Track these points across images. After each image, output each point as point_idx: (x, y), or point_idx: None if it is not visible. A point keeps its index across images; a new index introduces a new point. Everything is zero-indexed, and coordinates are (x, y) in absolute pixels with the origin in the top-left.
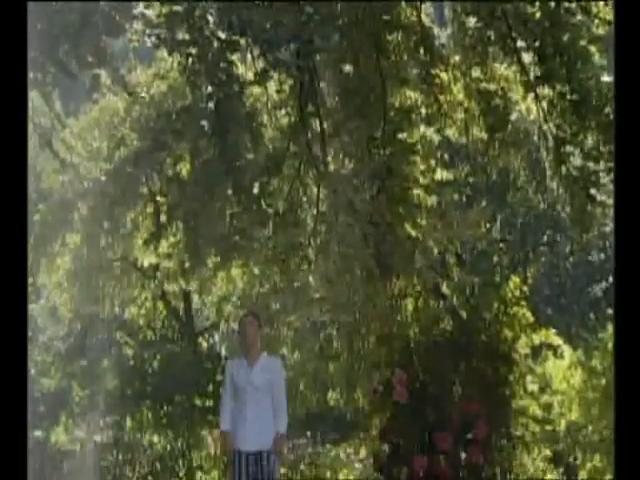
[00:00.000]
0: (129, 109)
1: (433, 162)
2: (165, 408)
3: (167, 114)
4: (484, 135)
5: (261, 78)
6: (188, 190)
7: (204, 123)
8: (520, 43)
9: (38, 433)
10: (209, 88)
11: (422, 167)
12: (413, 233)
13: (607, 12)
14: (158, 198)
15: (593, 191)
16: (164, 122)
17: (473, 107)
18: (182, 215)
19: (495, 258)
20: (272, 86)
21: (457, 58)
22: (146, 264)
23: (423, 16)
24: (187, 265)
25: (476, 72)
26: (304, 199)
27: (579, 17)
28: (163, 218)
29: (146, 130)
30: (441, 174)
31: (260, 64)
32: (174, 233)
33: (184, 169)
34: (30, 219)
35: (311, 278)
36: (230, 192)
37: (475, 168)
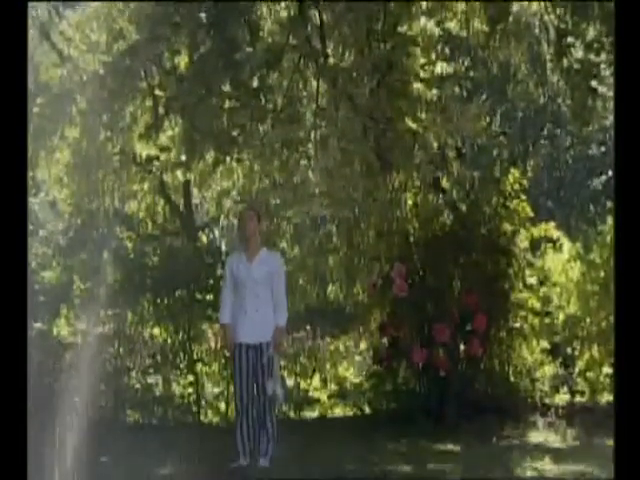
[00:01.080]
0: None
1: (433, 55)
2: (166, 301)
3: (165, 6)
4: (485, 27)
5: None
6: (186, 84)
7: (202, 15)
8: None
9: (39, 325)
10: None
11: (422, 60)
12: (413, 127)
13: None
14: (157, 92)
15: (594, 83)
16: (162, 14)
17: None
18: (180, 109)
19: (495, 152)
20: None
21: None
22: (145, 156)
23: None
24: (185, 158)
25: None
26: (303, 93)
27: None
28: (162, 112)
29: (144, 22)
30: (441, 67)
31: None
32: (172, 127)
33: (182, 62)
34: (29, 112)
35: (310, 173)
36: (228, 86)
37: (475, 61)
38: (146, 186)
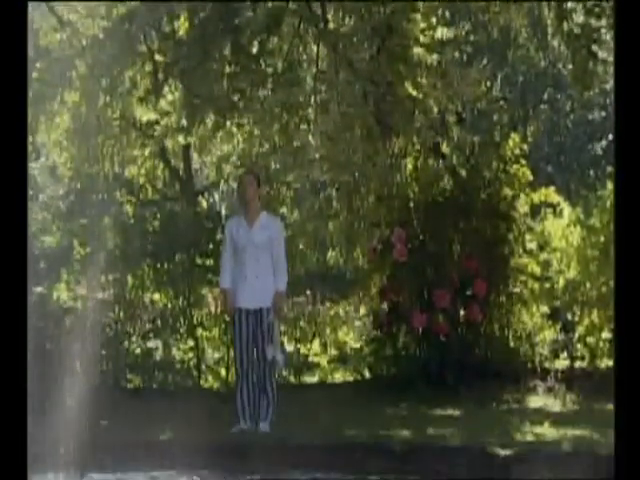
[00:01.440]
0: None
1: (434, 20)
2: (166, 266)
3: None
4: None
5: None
6: (185, 48)
7: None
8: None
9: (39, 290)
10: None
11: (423, 25)
12: (413, 92)
13: None
14: (157, 57)
15: (595, 48)
16: None
17: None
18: (179, 73)
19: (495, 116)
20: None
21: None
22: (145, 120)
23: None
24: (185, 123)
25: None
26: (303, 57)
27: None
28: (162, 77)
29: None
30: (442, 32)
31: None
32: (172, 91)
33: (182, 27)
34: (29, 77)
35: (311, 137)
36: (228, 51)
37: (476, 26)
38: (146, 151)
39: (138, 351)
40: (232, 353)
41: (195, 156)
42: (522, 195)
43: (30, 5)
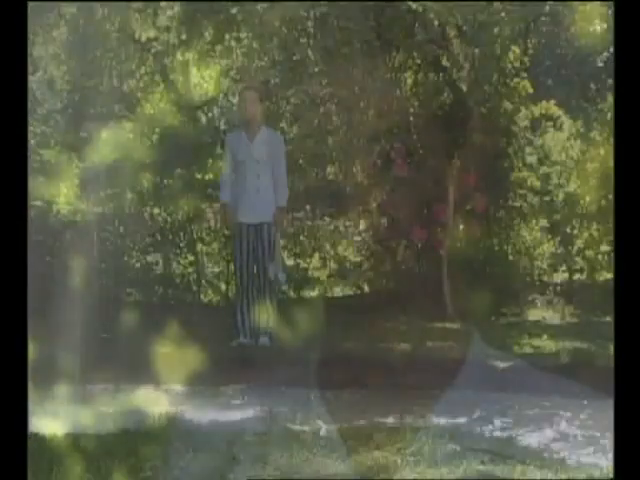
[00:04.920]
0: None
1: None
2: (165, 181)
3: None
4: None
5: None
6: None
7: None
8: None
9: (39, 203)
10: None
11: None
12: (413, 5)
13: None
14: None
15: None
16: None
17: None
18: None
19: (496, 29)
20: None
21: None
22: (144, 35)
23: None
24: (184, 37)
25: None
26: None
27: None
28: None
29: None
30: None
31: None
32: (171, 6)
33: None
34: None
35: (310, 52)
36: None
37: None
38: (145, 66)
39: (138, 265)
40: (232, 268)
41: (194, 70)
42: (522, 108)
43: None
